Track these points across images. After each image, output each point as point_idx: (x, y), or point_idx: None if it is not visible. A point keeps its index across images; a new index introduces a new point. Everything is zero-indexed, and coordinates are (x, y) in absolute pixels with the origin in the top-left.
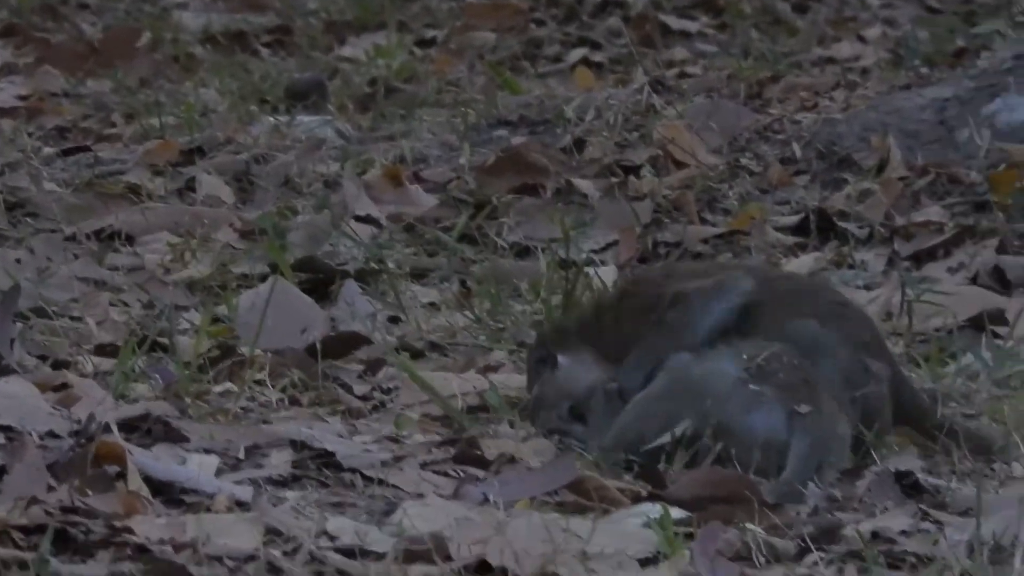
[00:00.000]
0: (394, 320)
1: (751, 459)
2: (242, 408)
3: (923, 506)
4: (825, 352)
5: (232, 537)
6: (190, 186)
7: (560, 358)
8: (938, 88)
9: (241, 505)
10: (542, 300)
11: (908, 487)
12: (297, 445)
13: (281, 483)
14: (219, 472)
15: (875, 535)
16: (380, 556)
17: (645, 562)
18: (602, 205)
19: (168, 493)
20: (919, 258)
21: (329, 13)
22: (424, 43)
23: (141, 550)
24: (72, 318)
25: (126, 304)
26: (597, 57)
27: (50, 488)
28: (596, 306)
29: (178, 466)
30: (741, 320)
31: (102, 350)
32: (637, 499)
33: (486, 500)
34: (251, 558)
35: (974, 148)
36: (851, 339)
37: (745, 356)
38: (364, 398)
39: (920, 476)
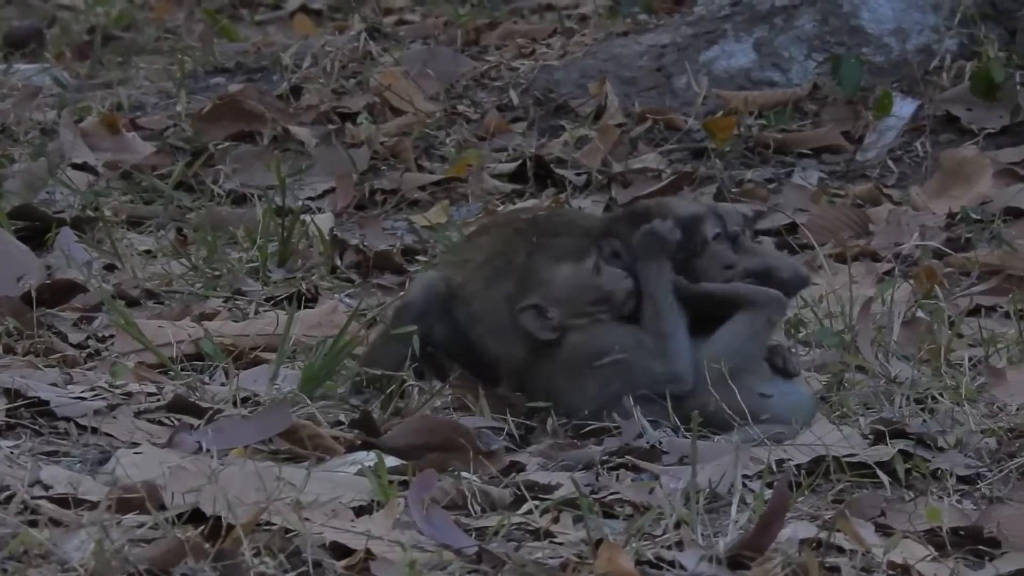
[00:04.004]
0: (110, 268)
1: None
2: None
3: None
4: None
5: None
6: None
7: None
8: (656, 35)
9: None
10: (258, 248)
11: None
12: (11, 394)
13: None
14: None
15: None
16: (94, 505)
17: (360, 510)
18: (319, 152)
19: None
20: None
21: None
22: None
23: None
24: None
25: None
26: (316, 5)
27: None
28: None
29: None
30: None
31: None
32: (351, 447)
33: (200, 448)
34: None
35: (692, 95)
36: None
37: None
38: (79, 347)
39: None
